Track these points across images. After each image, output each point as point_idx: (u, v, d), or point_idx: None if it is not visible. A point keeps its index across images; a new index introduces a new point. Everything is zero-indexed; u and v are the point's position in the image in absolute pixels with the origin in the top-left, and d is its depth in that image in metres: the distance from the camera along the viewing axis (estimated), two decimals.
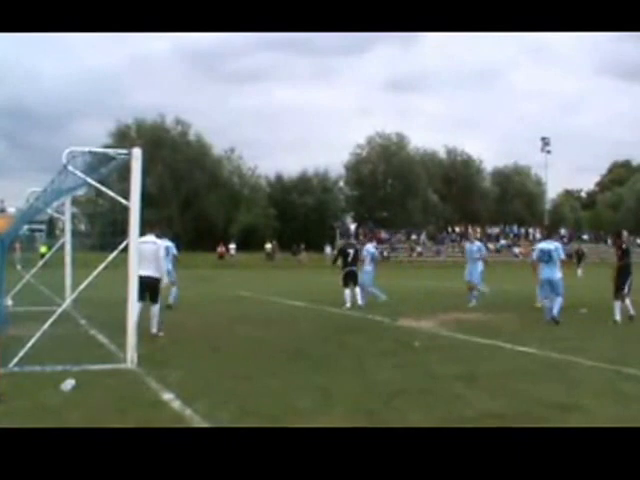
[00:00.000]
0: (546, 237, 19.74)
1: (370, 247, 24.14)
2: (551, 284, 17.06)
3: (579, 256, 47.71)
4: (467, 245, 24.58)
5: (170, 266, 19.50)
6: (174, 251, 20.25)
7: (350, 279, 21.60)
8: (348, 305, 20.97)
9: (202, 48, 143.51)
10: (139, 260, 13.95)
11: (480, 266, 22.22)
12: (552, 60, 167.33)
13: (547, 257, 17.09)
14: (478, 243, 23.75)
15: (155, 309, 14.69)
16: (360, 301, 21.17)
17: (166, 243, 18.80)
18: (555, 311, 16.63)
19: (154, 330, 14.63)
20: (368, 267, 22.90)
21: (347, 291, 21.41)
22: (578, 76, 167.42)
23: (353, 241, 24.60)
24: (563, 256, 17.26)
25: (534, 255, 17.65)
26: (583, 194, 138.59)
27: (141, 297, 13.71)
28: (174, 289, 20.87)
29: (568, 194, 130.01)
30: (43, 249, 27.31)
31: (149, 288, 14.07)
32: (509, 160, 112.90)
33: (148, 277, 13.97)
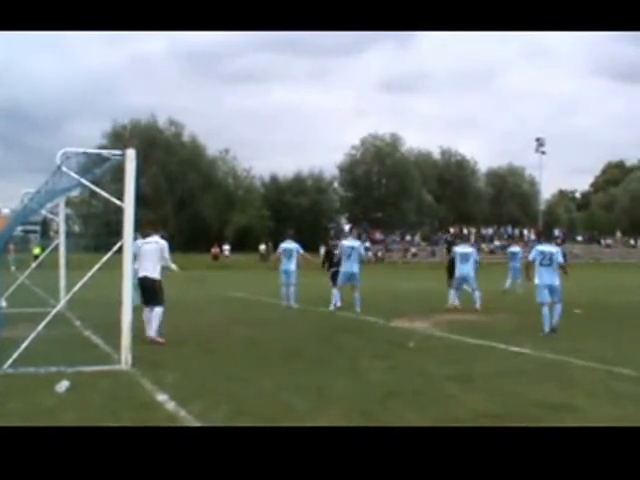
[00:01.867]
0: (546, 239, 18.85)
1: (345, 243, 21.51)
2: (552, 290, 15.76)
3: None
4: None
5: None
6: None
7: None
8: (331, 308, 20.93)
9: (197, 49, 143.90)
10: (140, 261, 14.06)
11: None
12: (547, 61, 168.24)
13: (548, 261, 15.89)
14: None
15: (151, 312, 14.09)
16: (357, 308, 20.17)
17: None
18: (555, 321, 15.53)
19: (152, 334, 13.94)
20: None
21: (334, 291, 21.39)
22: (573, 77, 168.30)
23: (337, 242, 24.17)
24: (562, 260, 16.20)
25: (530, 256, 16.35)
26: (577, 195, 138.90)
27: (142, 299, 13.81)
28: None
29: (562, 195, 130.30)
30: (37, 250, 27.29)
31: (145, 289, 14.04)
32: (504, 161, 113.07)
33: (145, 278, 13.97)
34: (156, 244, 14.31)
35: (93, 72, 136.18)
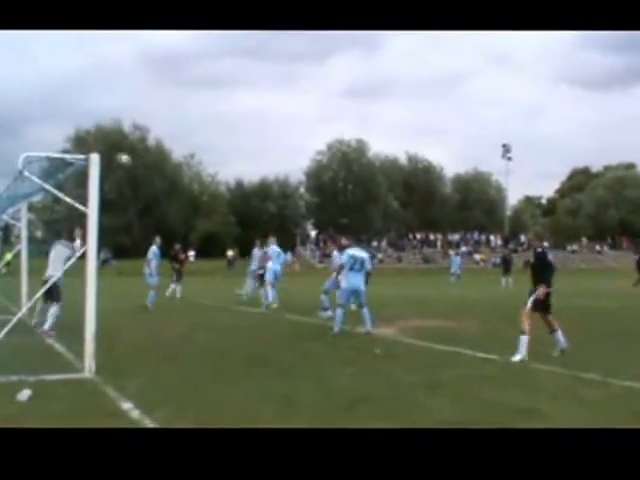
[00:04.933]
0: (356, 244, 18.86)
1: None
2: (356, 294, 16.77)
3: (507, 263, 42.54)
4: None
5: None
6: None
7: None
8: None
9: (162, 53, 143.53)
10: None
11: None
12: (513, 68, 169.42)
13: (359, 266, 16.60)
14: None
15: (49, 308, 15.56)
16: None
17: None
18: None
19: (46, 327, 15.51)
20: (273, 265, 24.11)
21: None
22: (538, 84, 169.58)
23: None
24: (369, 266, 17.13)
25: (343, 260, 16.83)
26: (544, 201, 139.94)
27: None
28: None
29: (529, 201, 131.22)
30: (8, 256, 26.90)
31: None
32: (470, 167, 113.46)
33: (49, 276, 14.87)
34: (64, 246, 15.80)
35: (56, 75, 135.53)
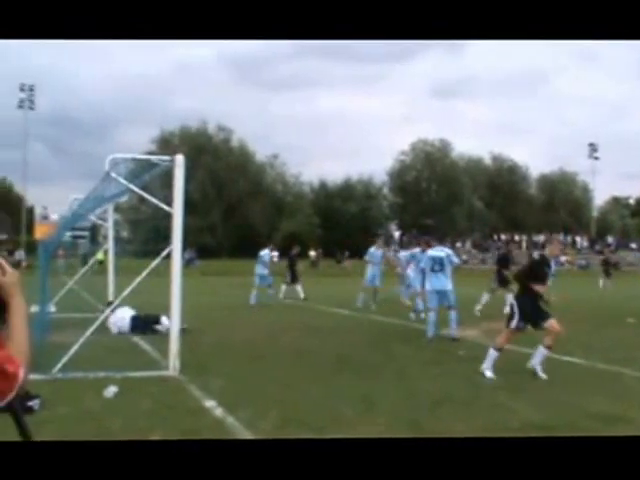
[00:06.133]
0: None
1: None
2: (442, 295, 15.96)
3: (607, 265, 41.06)
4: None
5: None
6: None
7: None
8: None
9: (246, 55, 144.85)
10: None
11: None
12: (599, 65, 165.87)
13: (439, 266, 15.98)
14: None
15: None
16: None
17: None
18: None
19: None
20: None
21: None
22: (626, 81, 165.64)
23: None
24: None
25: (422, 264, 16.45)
26: (631, 201, 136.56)
27: None
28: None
29: (616, 201, 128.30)
30: (100, 255, 27.41)
31: None
32: (555, 166, 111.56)
33: None
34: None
35: (141, 78, 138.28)
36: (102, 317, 11.87)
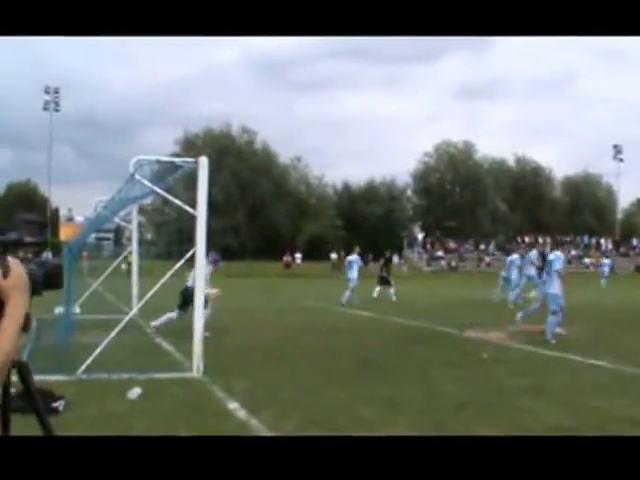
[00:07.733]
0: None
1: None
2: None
3: None
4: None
5: None
6: None
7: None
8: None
9: (269, 57, 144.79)
10: None
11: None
12: (625, 66, 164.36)
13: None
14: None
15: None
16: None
17: None
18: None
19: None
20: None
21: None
22: None
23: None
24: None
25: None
26: None
27: None
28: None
29: None
30: (130, 258, 27.56)
31: None
32: (579, 168, 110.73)
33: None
34: None
35: (166, 80, 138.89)
36: (126, 318, 11.91)
